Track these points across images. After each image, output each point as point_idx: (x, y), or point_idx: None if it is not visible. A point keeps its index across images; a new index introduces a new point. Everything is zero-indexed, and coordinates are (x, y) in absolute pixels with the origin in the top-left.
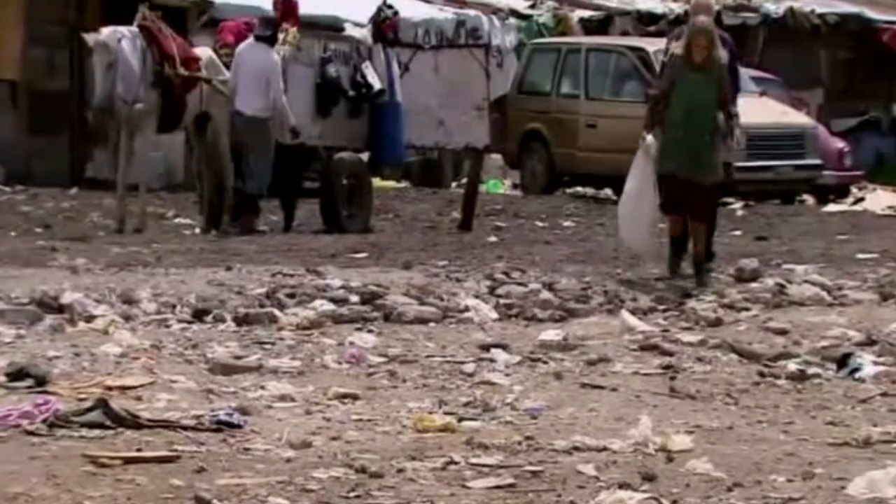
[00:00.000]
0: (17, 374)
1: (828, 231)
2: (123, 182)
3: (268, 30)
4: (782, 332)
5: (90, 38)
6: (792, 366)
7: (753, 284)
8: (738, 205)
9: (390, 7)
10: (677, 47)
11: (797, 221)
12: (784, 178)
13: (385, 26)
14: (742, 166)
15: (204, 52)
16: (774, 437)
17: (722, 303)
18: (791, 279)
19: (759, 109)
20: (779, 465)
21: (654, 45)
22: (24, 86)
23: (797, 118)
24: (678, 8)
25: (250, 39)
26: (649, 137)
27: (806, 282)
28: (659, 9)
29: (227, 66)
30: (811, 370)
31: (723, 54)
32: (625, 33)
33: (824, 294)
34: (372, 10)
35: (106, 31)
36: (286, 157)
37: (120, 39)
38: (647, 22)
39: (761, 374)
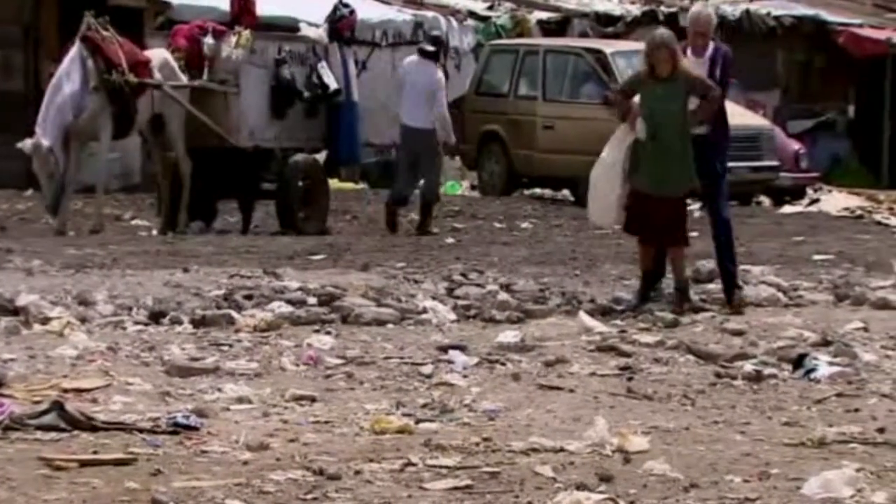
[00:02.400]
0: None
1: (784, 232)
2: (72, 186)
3: (433, 46)
4: (739, 333)
5: (26, 146)
6: (748, 366)
7: (710, 285)
8: (695, 206)
9: (346, 6)
10: (644, 64)
11: (753, 223)
12: (740, 179)
13: (341, 25)
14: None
15: (158, 53)
16: (731, 437)
17: None
18: (747, 280)
19: None
20: (735, 466)
21: (611, 47)
22: None
23: (753, 120)
24: (636, 10)
25: (415, 56)
26: (638, 122)
27: (762, 283)
28: (617, 10)
29: (181, 70)
30: (767, 371)
31: (689, 64)
32: (583, 35)
33: (780, 295)
34: (328, 9)
35: (35, 141)
36: (243, 159)
37: (52, 148)
38: (605, 24)
39: (718, 375)
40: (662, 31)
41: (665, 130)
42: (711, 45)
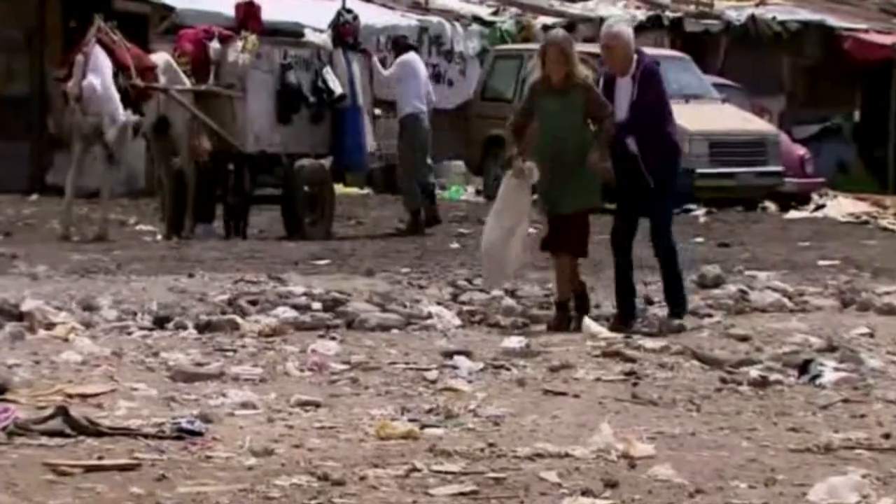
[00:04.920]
0: None
1: (789, 238)
2: (72, 190)
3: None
4: (744, 339)
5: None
6: (754, 372)
7: (716, 291)
8: (700, 211)
9: (349, 11)
10: (534, 70)
11: (759, 228)
12: (746, 184)
13: (345, 31)
14: (704, 173)
15: (162, 57)
16: (736, 443)
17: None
18: (753, 286)
19: (720, 116)
20: (741, 472)
21: None
22: None
23: (759, 125)
24: (641, 15)
25: (412, 53)
26: (528, 162)
27: (768, 288)
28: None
29: (187, 74)
30: (773, 376)
31: (585, 72)
32: (588, 40)
33: (786, 300)
34: (331, 15)
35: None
36: (245, 164)
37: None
38: None
39: (723, 381)
40: (558, 31)
41: (563, 146)
42: (636, 62)
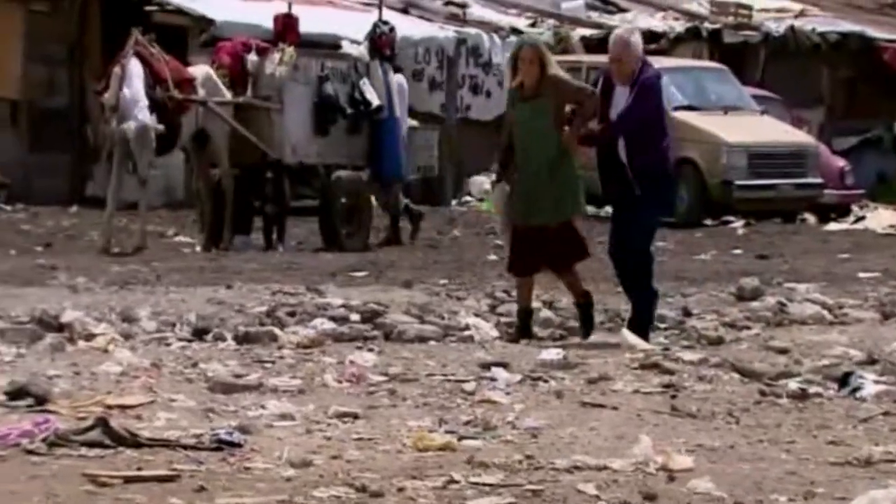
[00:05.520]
0: (17, 393)
1: (829, 250)
2: (114, 202)
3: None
4: (783, 351)
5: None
6: (793, 385)
7: (754, 303)
8: (738, 223)
9: (386, 23)
10: (508, 75)
11: (798, 240)
12: (785, 196)
13: (381, 43)
14: (743, 184)
15: (201, 70)
16: (776, 456)
17: (723, 321)
18: (792, 298)
19: (760, 128)
20: (780, 485)
21: (655, 64)
22: (24, 104)
23: (798, 137)
24: (679, 26)
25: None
26: (497, 186)
27: (807, 300)
28: (660, 27)
29: (225, 86)
30: (812, 389)
31: (559, 74)
32: None
33: (825, 313)
34: (368, 26)
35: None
36: (283, 173)
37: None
38: (648, 40)
39: (762, 393)
40: (529, 33)
41: (533, 153)
42: (637, 71)
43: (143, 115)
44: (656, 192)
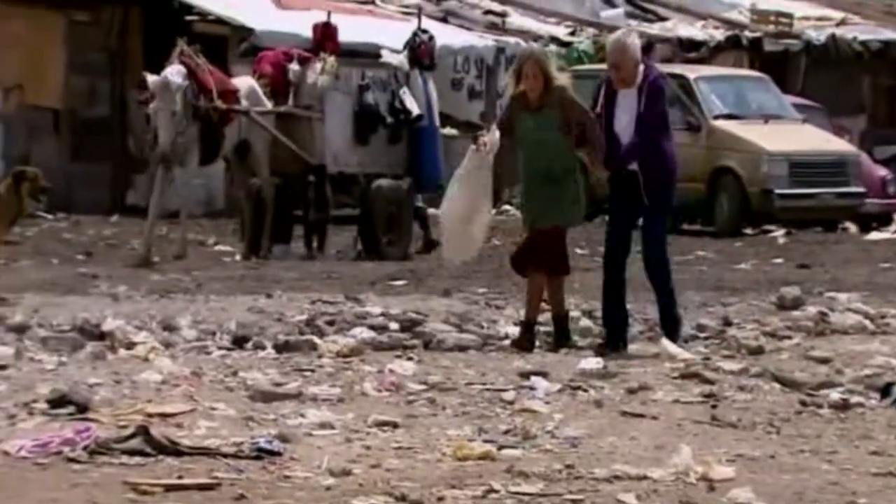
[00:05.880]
0: (58, 401)
1: (871, 259)
2: (156, 212)
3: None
4: (825, 361)
5: (152, 80)
6: (835, 395)
7: (795, 312)
8: (779, 232)
9: (425, 32)
10: (510, 84)
11: (839, 249)
12: (826, 205)
13: (421, 51)
14: (784, 193)
15: (245, 81)
16: (817, 466)
17: (763, 331)
18: (833, 307)
19: (800, 137)
20: (821, 495)
21: (695, 73)
22: (66, 113)
23: (840, 145)
24: (719, 35)
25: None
26: (494, 133)
27: (849, 310)
28: (700, 36)
29: (266, 96)
30: (854, 399)
31: (564, 81)
32: (665, 60)
33: (867, 322)
34: (407, 35)
35: (172, 75)
36: (325, 181)
37: (184, 85)
38: (687, 49)
39: (803, 403)
40: (533, 45)
41: (539, 163)
42: (642, 74)
43: (171, 72)
44: (664, 198)
